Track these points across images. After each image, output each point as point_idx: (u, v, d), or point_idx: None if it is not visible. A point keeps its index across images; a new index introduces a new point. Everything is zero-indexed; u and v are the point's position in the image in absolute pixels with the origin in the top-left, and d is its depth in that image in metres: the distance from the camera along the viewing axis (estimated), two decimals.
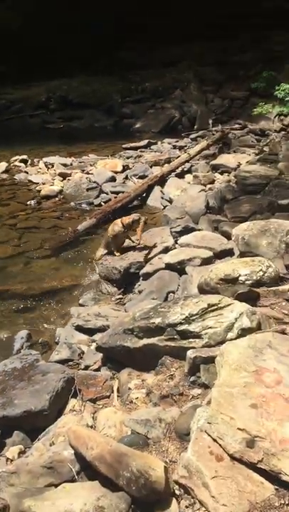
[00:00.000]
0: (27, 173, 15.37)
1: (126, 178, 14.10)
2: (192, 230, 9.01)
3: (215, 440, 3.46)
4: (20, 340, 6.74)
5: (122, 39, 28.34)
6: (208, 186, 12.08)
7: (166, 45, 27.73)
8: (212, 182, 12.45)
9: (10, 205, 12.81)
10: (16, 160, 16.65)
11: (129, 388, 4.96)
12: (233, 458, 3.36)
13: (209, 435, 3.50)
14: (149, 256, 8.27)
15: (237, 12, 26.34)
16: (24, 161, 16.61)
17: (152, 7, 26.94)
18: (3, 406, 4.86)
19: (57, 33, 27.05)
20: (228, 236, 8.15)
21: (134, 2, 27.03)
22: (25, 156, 16.89)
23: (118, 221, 8.76)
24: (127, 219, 8.70)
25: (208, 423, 3.56)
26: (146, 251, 8.45)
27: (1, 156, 17.32)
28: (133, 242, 8.86)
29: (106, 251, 8.88)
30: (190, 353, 4.60)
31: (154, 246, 8.50)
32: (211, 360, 4.44)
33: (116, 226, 8.69)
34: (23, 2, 28.01)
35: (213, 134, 16.99)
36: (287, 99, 17.95)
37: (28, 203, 12.87)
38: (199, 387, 4.45)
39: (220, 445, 3.43)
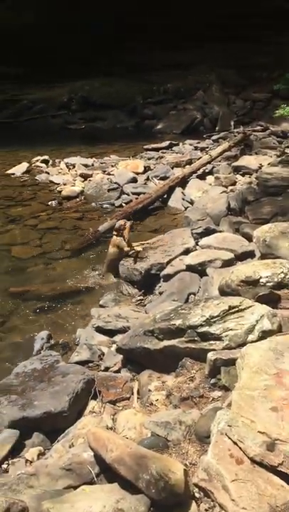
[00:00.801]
0: (48, 173, 15.41)
1: (147, 179, 14.06)
2: (213, 231, 8.98)
3: (235, 443, 3.44)
4: (41, 341, 6.75)
5: (123, 39, 28.47)
6: (230, 188, 12.02)
7: (184, 47, 27.80)
8: (233, 183, 12.40)
9: (31, 206, 12.86)
10: (37, 160, 16.70)
11: (150, 390, 4.96)
12: (253, 461, 3.34)
13: (229, 438, 3.48)
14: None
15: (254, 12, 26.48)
16: (45, 162, 16.65)
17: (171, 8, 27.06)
18: (23, 407, 4.88)
19: (64, 33, 27.24)
20: (249, 238, 8.12)
21: (137, 2, 27.12)
22: (46, 157, 16.94)
23: (113, 237, 8.71)
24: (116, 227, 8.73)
25: (229, 426, 3.55)
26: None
27: (22, 157, 17.41)
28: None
29: (111, 274, 8.71)
30: (210, 355, 4.59)
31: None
32: (231, 362, 4.43)
33: (113, 240, 8.65)
34: (32, 2, 28.11)
35: (235, 136, 16.91)
36: None
37: (49, 203, 12.89)
38: (220, 389, 4.44)
39: (240, 448, 3.41)
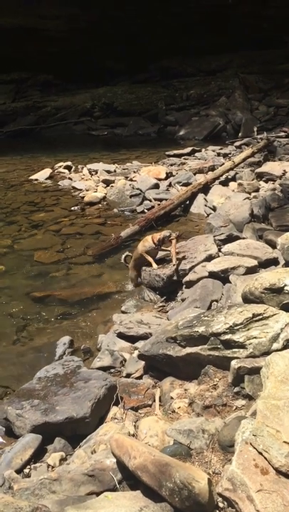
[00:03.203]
0: (71, 179, 15.53)
1: (169, 185, 14.10)
2: (236, 238, 8.90)
3: (260, 453, 3.39)
4: (63, 346, 6.76)
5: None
6: (253, 194, 11.98)
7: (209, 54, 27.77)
8: (257, 190, 12.35)
9: (54, 211, 12.96)
10: (60, 166, 16.84)
11: (172, 397, 4.93)
12: (278, 471, 3.29)
13: (254, 448, 3.43)
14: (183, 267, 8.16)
15: None
16: (68, 168, 16.77)
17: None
18: (45, 412, 4.87)
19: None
20: (273, 245, 8.05)
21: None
22: (69, 163, 17.07)
23: (149, 238, 8.56)
24: (158, 235, 8.43)
25: (254, 435, 3.50)
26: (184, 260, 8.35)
27: (45, 163, 17.57)
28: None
29: (135, 273, 8.66)
30: (234, 364, 4.54)
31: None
32: (255, 371, 4.38)
33: (147, 243, 8.48)
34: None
35: (258, 142, 16.86)
36: None
37: (72, 209, 13.01)
38: (243, 398, 4.39)
39: (265, 458, 3.36)
